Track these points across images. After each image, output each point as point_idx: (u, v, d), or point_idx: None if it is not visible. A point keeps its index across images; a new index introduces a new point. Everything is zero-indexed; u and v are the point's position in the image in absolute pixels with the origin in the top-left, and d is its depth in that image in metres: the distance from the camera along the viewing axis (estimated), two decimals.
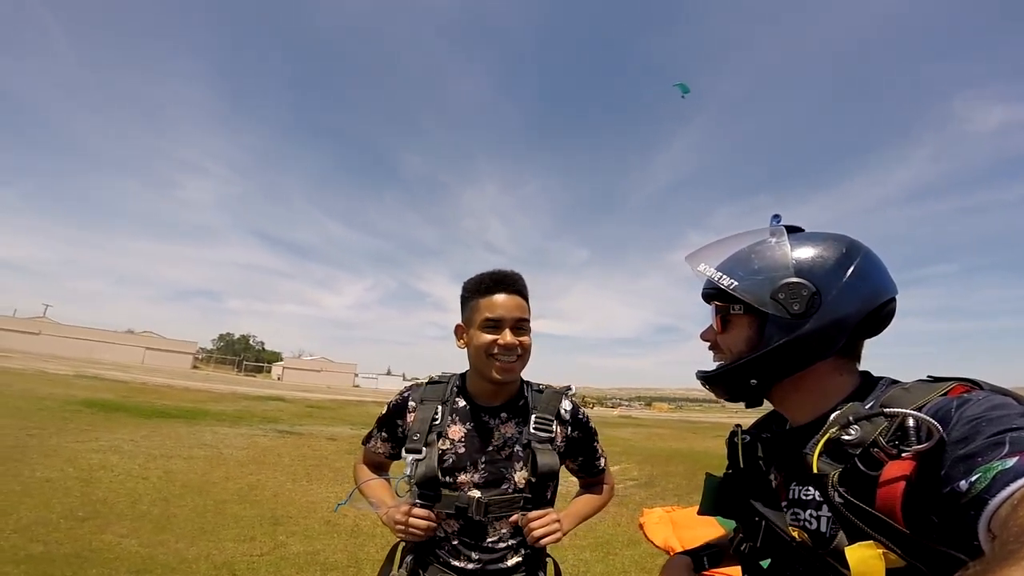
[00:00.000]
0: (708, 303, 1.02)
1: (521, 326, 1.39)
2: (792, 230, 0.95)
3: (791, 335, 0.85)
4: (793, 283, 0.86)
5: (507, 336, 1.35)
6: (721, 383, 0.97)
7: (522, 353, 1.39)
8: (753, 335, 0.91)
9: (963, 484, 0.60)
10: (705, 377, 0.99)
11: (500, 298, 1.38)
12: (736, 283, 0.90)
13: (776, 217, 0.98)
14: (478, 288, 1.41)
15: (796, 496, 0.86)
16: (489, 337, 1.36)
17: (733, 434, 1.07)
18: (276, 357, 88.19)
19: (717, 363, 1.00)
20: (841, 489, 0.74)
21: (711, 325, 1.01)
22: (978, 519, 0.57)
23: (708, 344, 1.02)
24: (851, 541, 0.71)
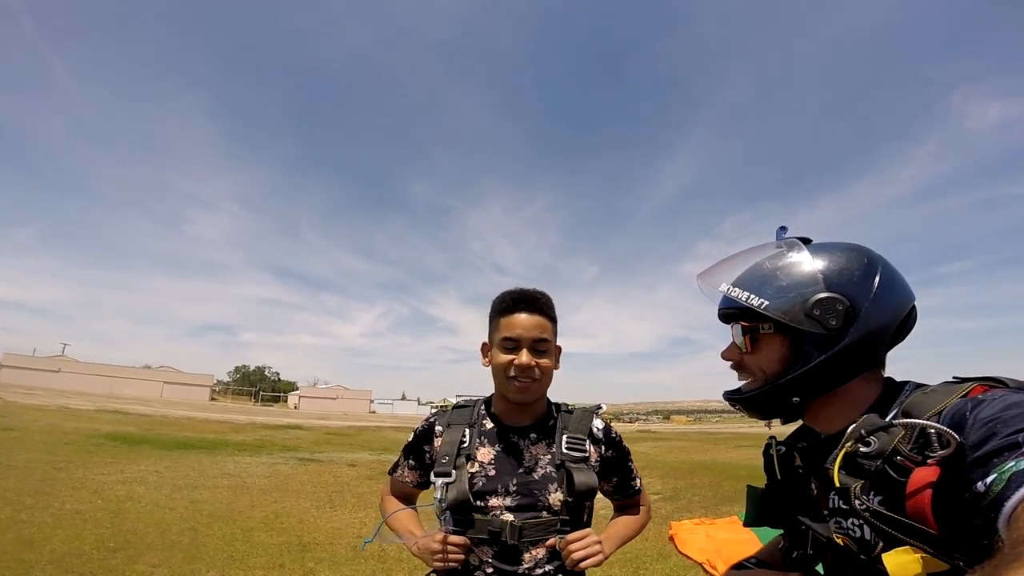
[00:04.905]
0: (727, 323, 1.00)
1: (540, 347, 1.34)
2: (801, 241, 0.94)
3: (831, 351, 0.84)
4: (826, 298, 0.84)
5: (523, 357, 1.31)
6: (758, 404, 0.94)
7: (540, 376, 1.34)
8: (787, 353, 0.89)
9: (980, 486, 0.61)
10: (740, 399, 0.96)
11: (519, 317, 1.34)
12: (767, 302, 0.88)
13: (783, 229, 0.98)
14: (500, 306, 1.38)
15: (836, 505, 0.86)
16: (506, 358, 1.32)
17: (768, 446, 1.05)
18: (292, 387, 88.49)
19: (743, 383, 0.98)
20: (868, 499, 0.75)
21: (733, 344, 0.98)
22: (997, 520, 0.58)
23: (731, 364, 1.00)
24: (890, 546, 0.71)
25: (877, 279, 0.86)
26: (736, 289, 0.92)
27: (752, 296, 0.89)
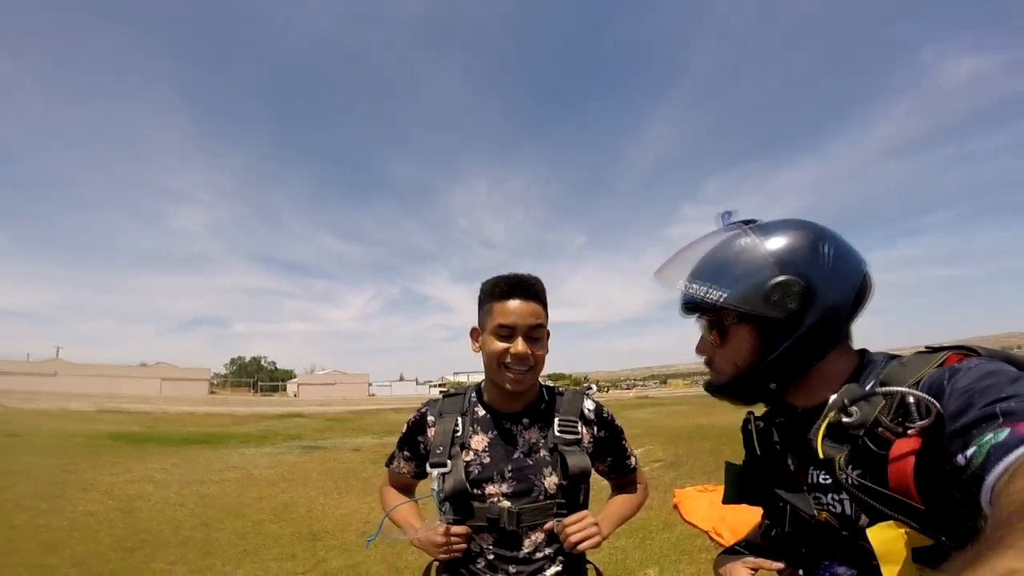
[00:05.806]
0: (690, 315, 0.99)
1: (535, 334, 1.32)
2: (746, 224, 0.92)
3: (795, 334, 0.84)
4: (782, 281, 0.82)
5: (519, 345, 1.28)
6: (738, 391, 0.95)
7: (535, 364, 1.32)
8: (755, 342, 0.88)
9: (961, 459, 0.60)
10: (719, 388, 0.97)
11: (514, 304, 1.30)
12: (725, 294, 0.86)
13: (727, 214, 0.96)
14: (493, 292, 1.34)
15: (815, 480, 0.86)
16: (501, 345, 1.29)
17: (746, 422, 1.05)
18: (289, 375, 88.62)
19: (719, 373, 0.98)
20: (851, 471, 0.74)
21: (703, 339, 0.98)
22: (979, 495, 0.57)
23: (704, 360, 0.99)
24: (874, 521, 0.70)
25: (828, 253, 0.84)
26: (694, 285, 0.91)
27: (710, 289, 0.88)
